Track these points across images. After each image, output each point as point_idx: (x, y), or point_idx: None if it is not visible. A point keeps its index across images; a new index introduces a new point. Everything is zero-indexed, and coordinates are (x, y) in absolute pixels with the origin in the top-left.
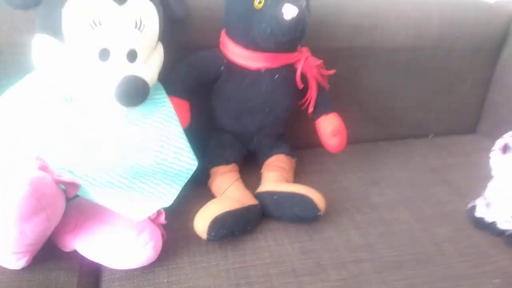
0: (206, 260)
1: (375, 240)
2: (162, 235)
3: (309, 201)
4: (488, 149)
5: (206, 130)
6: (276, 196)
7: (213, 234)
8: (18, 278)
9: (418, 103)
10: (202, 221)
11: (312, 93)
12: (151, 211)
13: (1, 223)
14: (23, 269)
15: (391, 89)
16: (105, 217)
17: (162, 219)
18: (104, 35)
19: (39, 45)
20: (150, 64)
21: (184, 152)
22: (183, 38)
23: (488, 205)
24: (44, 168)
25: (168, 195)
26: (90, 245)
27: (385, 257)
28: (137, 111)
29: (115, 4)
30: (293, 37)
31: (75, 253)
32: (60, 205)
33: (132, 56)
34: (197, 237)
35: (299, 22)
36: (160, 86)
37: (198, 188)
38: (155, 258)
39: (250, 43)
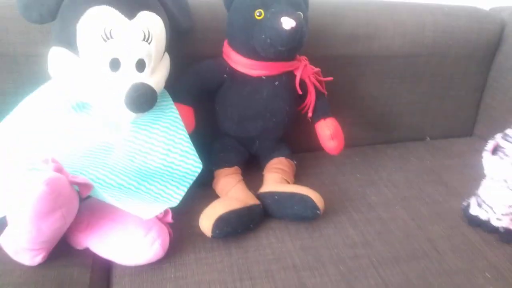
0: (211, 256)
1: (372, 238)
2: (169, 233)
3: (308, 200)
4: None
5: (210, 135)
6: (277, 196)
7: (217, 232)
8: (34, 273)
9: (415, 108)
10: (207, 220)
11: (311, 98)
12: (159, 210)
13: (20, 221)
14: (39, 265)
15: (388, 95)
16: (116, 216)
17: (169, 218)
18: (115, 47)
19: (55, 56)
20: (157, 73)
21: (189, 156)
22: (189, 48)
23: (481, 203)
24: (59, 170)
25: (175, 196)
26: (102, 243)
27: (382, 253)
28: (145, 117)
29: (125, 19)
30: (291, 46)
31: (87, 251)
32: (74, 205)
33: (140, 65)
34: (202, 235)
35: (296, 32)
36: (166, 93)
37: (202, 190)
38: (163, 255)
39: (251, 52)
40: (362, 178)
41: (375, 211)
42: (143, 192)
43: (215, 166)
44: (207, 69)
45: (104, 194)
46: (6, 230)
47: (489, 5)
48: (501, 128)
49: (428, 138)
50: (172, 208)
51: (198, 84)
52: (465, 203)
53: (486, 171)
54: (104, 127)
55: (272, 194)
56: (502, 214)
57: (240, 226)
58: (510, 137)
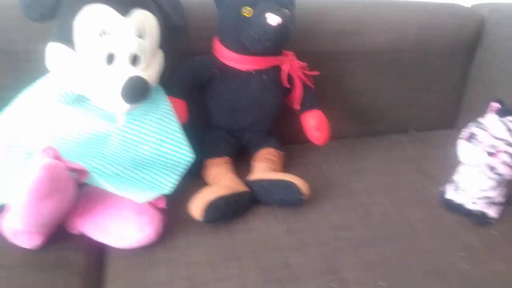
0: (201, 239)
1: (353, 221)
2: (162, 219)
3: (293, 186)
4: None
5: (202, 127)
6: (265, 184)
7: (208, 216)
8: (33, 256)
9: (399, 101)
10: (198, 205)
11: (298, 91)
12: (152, 196)
13: (20, 204)
14: (38, 248)
15: (373, 89)
16: (111, 202)
17: (162, 204)
18: (110, 42)
19: (53, 52)
20: (151, 68)
21: (182, 146)
22: (182, 45)
23: (456, 188)
24: (56, 157)
25: (167, 184)
26: (97, 227)
27: (362, 235)
28: (139, 110)
29: (120, 16)
30: (278, 42)
31: (83, 235)
32: (72, 190)
33: (134, 60)
34: (193, 220)
35: (283, 29)
36: (160, 87)
37: (194, 179)
38: (156, 239)
39: (241, 48)
40: (346, 167)
41: (357, 197)
42: (138, 181)
43: (206, 156)
44: (199, 65)
45: (99, 181)
46: (6, 214)
47: (471, 2)
48: None
49: (414, 131)
50: (165, 196)
51: (190, 79)
52: (442, 189)
53: (461, 158)
54: (100, 119)
55: (260, 181)
56: (477, 198)
57: (229, 211)
58: (483, 125)
